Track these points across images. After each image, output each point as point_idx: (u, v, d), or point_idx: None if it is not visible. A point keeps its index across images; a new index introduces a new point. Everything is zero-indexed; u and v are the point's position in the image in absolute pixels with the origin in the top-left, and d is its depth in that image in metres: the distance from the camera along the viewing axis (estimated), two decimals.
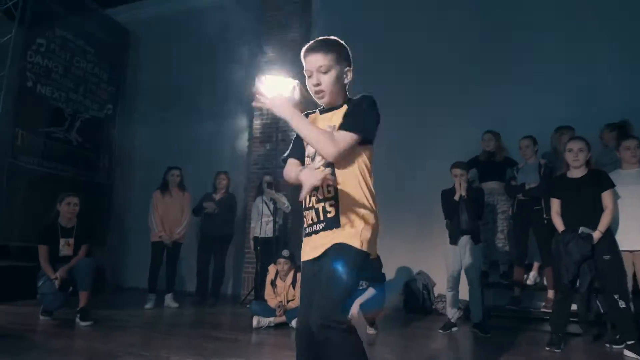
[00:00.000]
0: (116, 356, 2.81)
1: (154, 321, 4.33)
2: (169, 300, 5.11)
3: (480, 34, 5.55)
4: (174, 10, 7.73)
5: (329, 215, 1.64)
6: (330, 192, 1.65)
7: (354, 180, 1.66)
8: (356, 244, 1.60)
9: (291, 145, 1.86)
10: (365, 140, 1.64)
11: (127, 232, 7.16)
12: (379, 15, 6.18)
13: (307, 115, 1.77)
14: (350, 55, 1.75)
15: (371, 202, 1.67)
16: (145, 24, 7.85)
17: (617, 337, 3.34)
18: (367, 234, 1.63)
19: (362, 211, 1.64)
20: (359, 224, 1.63)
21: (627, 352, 3.11)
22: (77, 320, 3.83)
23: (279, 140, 6.03)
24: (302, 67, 1.75)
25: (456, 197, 4.03)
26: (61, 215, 4.10)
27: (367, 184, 1.68)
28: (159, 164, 6.72)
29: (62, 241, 4.02)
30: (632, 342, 3.10)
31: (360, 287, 3.69)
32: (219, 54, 7.05)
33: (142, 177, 7.20)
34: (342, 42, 1.75)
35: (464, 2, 5.73)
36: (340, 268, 1.57)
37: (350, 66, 1.74)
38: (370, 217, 1.65)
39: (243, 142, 6.92)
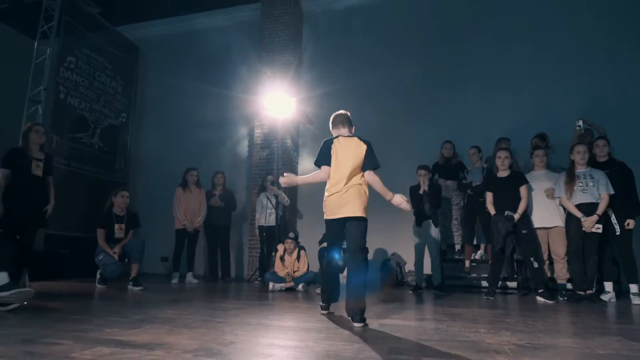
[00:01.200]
0: (180, 301, 3.94)
1: (187, 289, 5.44)
2: (190, 277, 6.22)
3: (436, 65, 6.98)
4: (178, 31, 8.86)
5: None
6: None
7: None
8: None
9: (320, 153, 3.08)
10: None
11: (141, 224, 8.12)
12: (354, 41, 7.53)
13: (332, 140, 3.09)
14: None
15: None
16: (152, 42, 8.93)
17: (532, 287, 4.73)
18: None
19: None
20: None
21: (538, 298, 4.46)
22: (130, 286, 4.93)
23: (278, 147, 7.24)
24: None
25: (420, 192, 5.35)
26: (115, 205, 5.17)
27: None
28: (167, 165, 7.86)
29: (116, 226, 5.11)
30: (542, 290, 4.47)
31: None
32: (221, 71, 8.20)
33: (152, 176, 8.25)
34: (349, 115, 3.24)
35: (425, 36, 7.15)
36: None
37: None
38: None
39: (243, 147, 8.07)
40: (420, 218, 5.32)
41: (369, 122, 6.78)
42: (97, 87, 7.73)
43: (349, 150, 3.00)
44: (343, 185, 2.94)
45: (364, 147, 3.00)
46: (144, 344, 2.02)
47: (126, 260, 5.04)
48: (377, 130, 6.81)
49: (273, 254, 6.02)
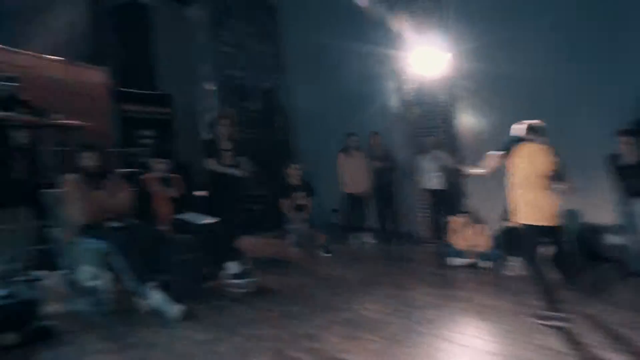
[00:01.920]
0: (372, 284, 4.25)
1: (368, 255, 6.02)
2: (367, 238, 6.57)
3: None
4: None
5: None
6: None
7: None
8: None
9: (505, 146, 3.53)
10: None
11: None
12: None
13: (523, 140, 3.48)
14: None
15: None
16: None
17: None
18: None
19: None
20: None
21: None
22: (320, 252, 5.69)
23: (432, 103, 6.84)
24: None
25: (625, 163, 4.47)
26: (290, 177, 6.00)
27: None
28: (323, 120, 7.98)
29: (296, 195, 6.00)
30: None
31: None
32: (361, 21, 7.61)
33: (311, 132, 8.41)
34: None
35: None
36: None
37: None
38: None
39: (394, 105, 7.66)
40: (629, 194, 4.54)
41: (536, 76, 5.82)
42: (247, 53, 8.07)
43: (540, 158, 3.40)
44: (535, 189, 3.36)
45: (553, 158, 3.40)
46: None
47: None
48: (550, 84, 5.82)
49: (446, 221, 5.91)
